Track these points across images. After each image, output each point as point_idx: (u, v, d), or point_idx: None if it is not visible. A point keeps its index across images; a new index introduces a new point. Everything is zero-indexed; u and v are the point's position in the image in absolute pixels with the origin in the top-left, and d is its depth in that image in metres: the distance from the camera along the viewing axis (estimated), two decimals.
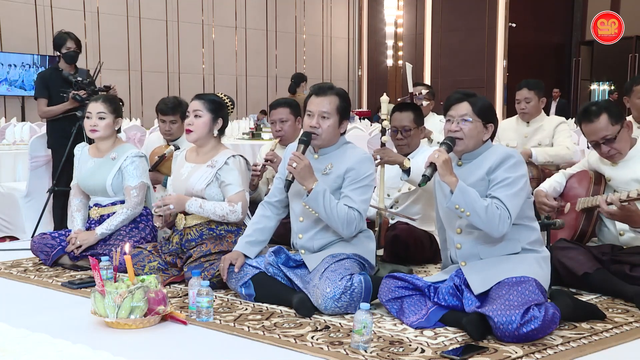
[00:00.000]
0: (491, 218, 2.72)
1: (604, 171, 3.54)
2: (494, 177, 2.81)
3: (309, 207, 3.09)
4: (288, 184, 3.10)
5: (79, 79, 5.03)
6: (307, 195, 3.04)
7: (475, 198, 2.73)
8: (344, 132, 3.26)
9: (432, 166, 2.79)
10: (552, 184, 3.80)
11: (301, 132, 4.27)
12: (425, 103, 5.44)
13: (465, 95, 2.93)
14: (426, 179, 2.80)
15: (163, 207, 3.49)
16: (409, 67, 4.85)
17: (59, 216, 5.15)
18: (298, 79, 9.30)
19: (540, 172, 4.68)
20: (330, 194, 3.07)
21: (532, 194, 3.47)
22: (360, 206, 3.11)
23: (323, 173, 3.18)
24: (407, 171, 3.67)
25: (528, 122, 5.05)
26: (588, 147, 3.71)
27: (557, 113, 13.70)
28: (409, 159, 3.72)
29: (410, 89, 5.37)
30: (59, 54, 5.17)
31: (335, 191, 3.15)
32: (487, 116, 2.91)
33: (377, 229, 3.81)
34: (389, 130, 4.00)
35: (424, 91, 5.63)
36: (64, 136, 4.99)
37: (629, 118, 4.54)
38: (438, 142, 4.66)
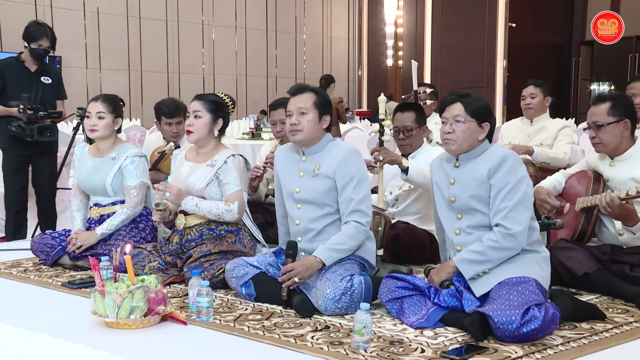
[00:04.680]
0: (503, 250, 2.76)
1: (602, 171, 3.54)
2: (495, 182, 2.81)
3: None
4: (284, 303, 3.07)
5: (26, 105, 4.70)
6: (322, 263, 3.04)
7: (482, 260, 2.77)
8: (329, 129, 3.26)
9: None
10: (552, 182, 3.80)
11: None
12: (428, 102, 5.45)
13: (458, 96, 2.93)
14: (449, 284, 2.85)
15: (163, 189, 3.48)
16: (414, 65, 4.85)
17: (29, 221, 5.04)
18: (327, 81, 9.37)
19: (537, 171, 4.68)
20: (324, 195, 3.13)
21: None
22: (366, 209, 3.10)
23: (312, 175, 3.18)
24: (405, 170, 3.67)
25: (532, 121, 5.05)
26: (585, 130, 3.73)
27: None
28: (407, 159, 3.72)
29: (415, 87, 5.38)
30: (26, 46, 4.88)
31: (327, 192, 3.14)
32: (481, 115, 2.89)
33: (379, 229, 3.79)
34: (390, 130, 4.00)
35: (428, 90, 5.64)
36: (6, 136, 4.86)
37: None
38: (437, 143, 4.65)
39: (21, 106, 4.72)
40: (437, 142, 4.67)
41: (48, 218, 5.07)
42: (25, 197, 5.04)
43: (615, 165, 3.45)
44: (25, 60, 4.96)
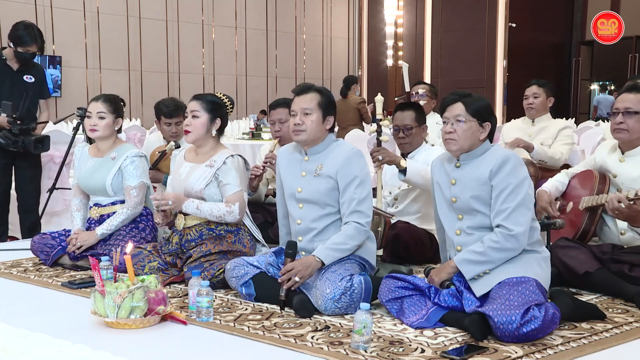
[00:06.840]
0: (504, 251, 2.76)
1: (610, 167, 3.53)
2: (496, 183, 2.81)
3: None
4: (282, 303, 3.05)
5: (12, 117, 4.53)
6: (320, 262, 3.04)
7: (483, 260, 2.76)
8: (332, 130, 3.26)
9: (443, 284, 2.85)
10: (555, 184, 3.80)
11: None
12: (423, 102, 5.43)
13: (459, 96, 2.93)
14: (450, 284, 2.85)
15: (162, 201, 3.48)
16: (405, 67, 4.84)
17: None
18: (349, 82, 9.04)
19: (537, 171, 4.68)
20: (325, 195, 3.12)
21: (535, 194, 3.47)
22: (366, 209, 3.10)
23: (314, 175, 3.18)
24: (403, 171, 3.67)
25: (533, 121, 5.05)
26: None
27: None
28: (405, 159, 3.72)
29: (407, 88, 5.35)
30: (12, 46, 4.70)
31: (329, 192, 3.15)
32: (482, 115, 2.90)
33: (379, 229, 3.80)
34: (391, 130, 4.00)
35: (421, 90, 5.62)
36: None
37: None
38: (432, 145, 4.64)
39: (10, 116, 4.58)
40: (432, 145, 4.65)
41: (30, 223, 4.91)
42: (7, 201, 4.93)
43: (625, 161, 3.45)
44: (7, 58, 4.79)
